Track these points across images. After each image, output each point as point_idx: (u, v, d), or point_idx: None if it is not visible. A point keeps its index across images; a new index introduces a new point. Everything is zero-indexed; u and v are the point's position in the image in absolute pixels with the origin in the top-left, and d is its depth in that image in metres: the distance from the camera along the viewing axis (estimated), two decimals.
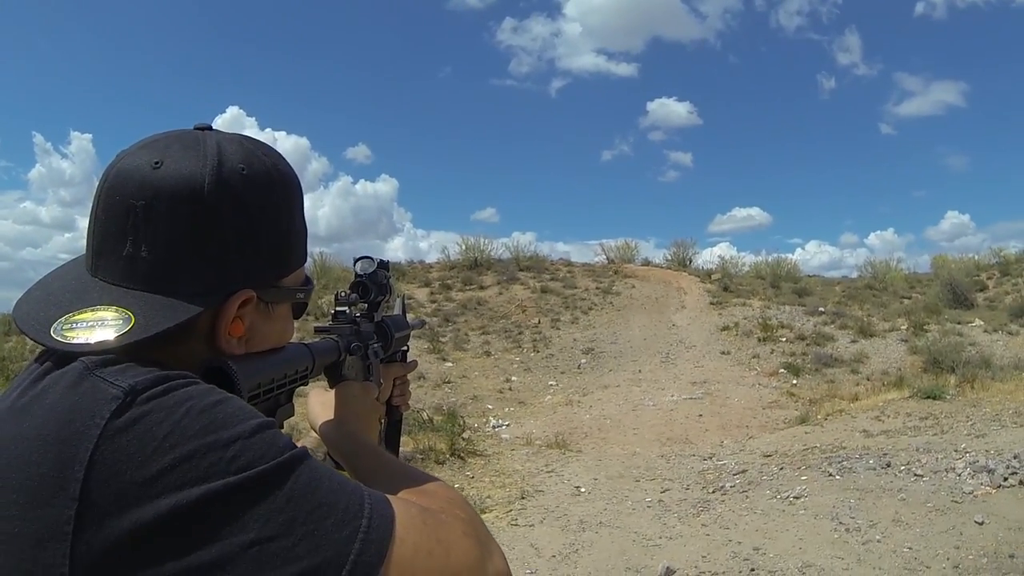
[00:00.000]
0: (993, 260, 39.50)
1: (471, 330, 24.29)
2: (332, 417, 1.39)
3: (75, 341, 0.91)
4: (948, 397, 12.89)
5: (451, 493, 1.09)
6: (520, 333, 23.85)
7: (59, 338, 0.92)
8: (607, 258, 36.16)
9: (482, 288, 28.69)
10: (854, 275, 41.38)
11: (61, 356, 0.92)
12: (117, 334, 0.91)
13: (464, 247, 33.54)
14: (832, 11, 74.16)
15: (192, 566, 0.78)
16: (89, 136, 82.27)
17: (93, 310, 0.94)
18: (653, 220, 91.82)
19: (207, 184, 0.96)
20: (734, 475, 9.94)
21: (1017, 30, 72.88)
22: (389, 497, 0.93)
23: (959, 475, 8.30)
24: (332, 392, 1.43)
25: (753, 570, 6.59)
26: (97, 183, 1.00)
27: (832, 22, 78.35)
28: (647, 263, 35.69)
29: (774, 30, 77.12)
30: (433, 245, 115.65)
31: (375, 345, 1.53)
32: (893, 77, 78.07)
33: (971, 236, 78.08)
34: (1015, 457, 8.46)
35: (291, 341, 1.25)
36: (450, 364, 20.79)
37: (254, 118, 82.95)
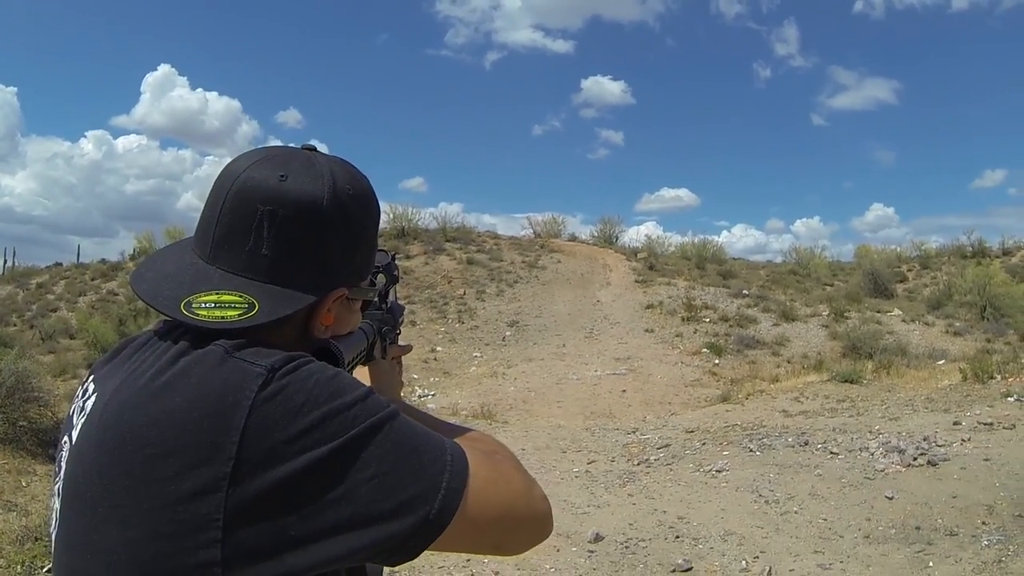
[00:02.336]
0: (914, 253, 40.69)
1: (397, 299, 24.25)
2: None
3: (206, 318, 1.06)
4: (865, 381, 13.42)
5: (494, 439, 1.29)
6: (446, 304, 23.93)
7: (190, 314, 1.07)
8: (534, 232, 36.28)
9: (408, 258, 28.56)
10: (779, 260, 42.20)
11: (194, 336, 1.07)
12: (242, 316, 1.07)
13: (391, 216, 33.31)
14: (772, 2, 75.37)
15: (327, 501, 0.96)
16: (14, 90, 79.48)
17: (218, 293, 1.09)
18: (581, 196, 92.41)
19: (325, 200, 1.13)
20: (658, 449, 10.22)
21: (951, 35, 74.90)
22: (456, 441, 1.12)
23: (872, 454, 8.68)
24: (366, 369, 1.61)
25: (678, 537, 6.84)
26: (216, 183, 1.16)
27: (771, 13, 79.49)
28: (574, 239, 35.88)
29: (713, 16, 78.00)
30: None
31: (389, 329, 1.70)
32: (828, 70, 79.66)
33: (894, 229, 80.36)
34: (925, 439, 8.88)
35: None
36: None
37: (186, 77, 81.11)
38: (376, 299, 1.69)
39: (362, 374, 1.58)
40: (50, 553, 1.17)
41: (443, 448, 1.06)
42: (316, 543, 0.96)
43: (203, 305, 1.08)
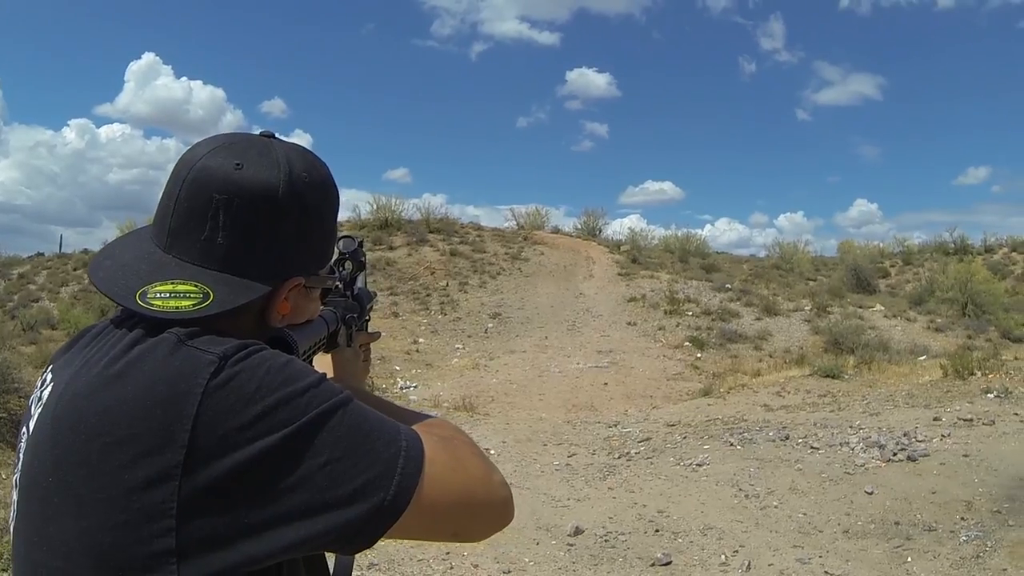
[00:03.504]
0: (897, 249, 41.10)
1: (379, 290, 24.17)
2: (333, 377, 1.53)
3: (161, 309, 1.06)
4: (846, 377, 13.47)
5: (452, 425, 1.28)
6: (428, 295, 23.88)
7: (145, 305, 1.06)
8: (517, 224, 36.28)
9: (391, 248, 28.52)
10: (762, 254, 42.42)
11: (149, 325, 1.06)
12: (196, 306, 1.06)
13: (375, 206, 33.23)
14: None
15: (280, 489, 0.96)
16: None
17: (172, 283, 1.08)
18: (565, 188, 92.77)
19: (281, 189, 1.12)
20: (639, 442, 10.22)
21: (936, 32, 75.26)
22: (414, 427, 1.12)
23: (852, 449, 8.71)
24: (328, 356, 1.60)
25: (658, 530, 6.84)
26: (173, 171, 1.15)
27: (758, 7, 79.75)
28: (557, 231, 35.88)
29: (700, 10, 78.19)
30: (344, 203, 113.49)
31: (355, 316, 1.68)
32: (813, 65, 80.00)
33: (878, 224, 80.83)
34: (905, 435, 8.92)
35: None
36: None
37: (170, 66, 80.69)
38: (341, 286, 1.68)
39: (324, 362, 1.58)
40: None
41: (398, 434, 1.06)
42: (271, 531, 0.96)
43: (158, 295, 1.07)
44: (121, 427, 0.96)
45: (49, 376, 1.16)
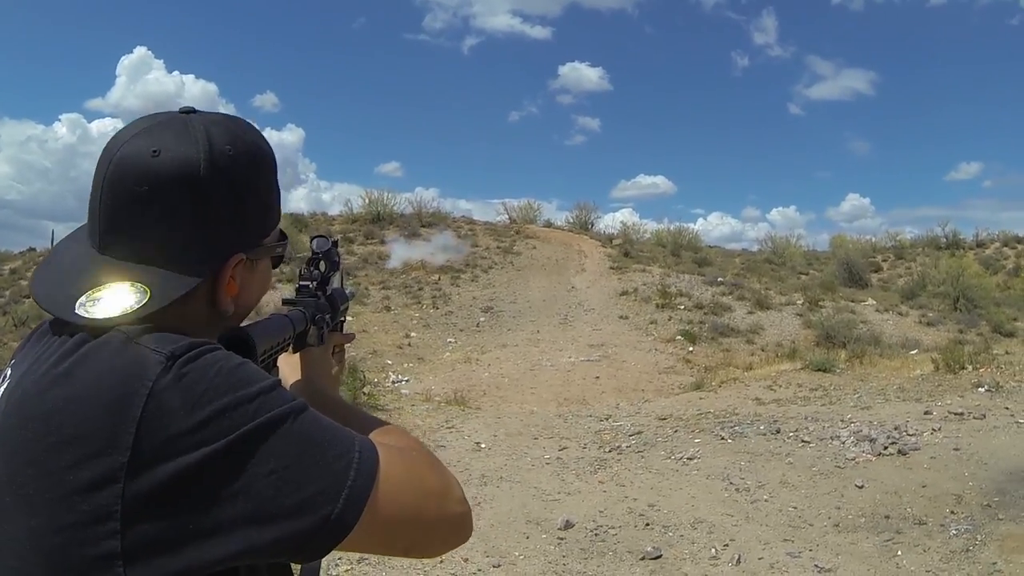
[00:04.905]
0: (889, 244, 41.19)
1: (372, 284, 24.16)
2: (301, 378, 1.56)
3: (101, 316, 1.02)
4: (838, 370, 13.47)
5: (411, 436, 1.27)
6: (420, 289, 23.83)
7: (85, 315, 1.03)
8: (509, 218, 36.34)
9: (384, 243, 28.49)
10: (754, 248, 42.52)
11: (92, 327, 1.03)
12: (137, 306, 1.03)
13: (367, 200, 33.25)
14: None
15: (224, 496, 0.93)
16: None
17: (110, 287, 1.05)
18: (557, 182, 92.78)
19: (202, 168, 1.07)
20: (630, 436, 10.20)
21: (928, 28, 75.36)
22: (370, 437, 1.10)
23: (843, 443, 8.71)
24: (297, 356, 1.58)
25: (648, 524, 6.83)
26: (97, 165, 1.10)
27: (750, 2, 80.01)
28: (549, 225, 35.91)
29: (692, 5, 78.25)
30: (336, 197, 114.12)
31: (327, 316, 1.66)
32: (805, 60, 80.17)
33: (870, 219, 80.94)
34: (896, 428, 8.92)
35: (276, 313, 1.47)
36: (350, 318, 20.63)
37: (162, 60, 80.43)
38: (313, 285, 1.66)
39: (292, 362, 1.57)
40: None
41: (351, 444, 1.03)
42: (216, 538, 0.93)
43: (97, 302, 1.04)
44: (67, 427, 0.94)
45: (8, 372, 1.14)
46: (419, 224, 30.90)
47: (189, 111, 1.14)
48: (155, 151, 1.06)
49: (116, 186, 1.06)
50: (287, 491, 0.95)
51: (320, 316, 1.61)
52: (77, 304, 1.04)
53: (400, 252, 26.80)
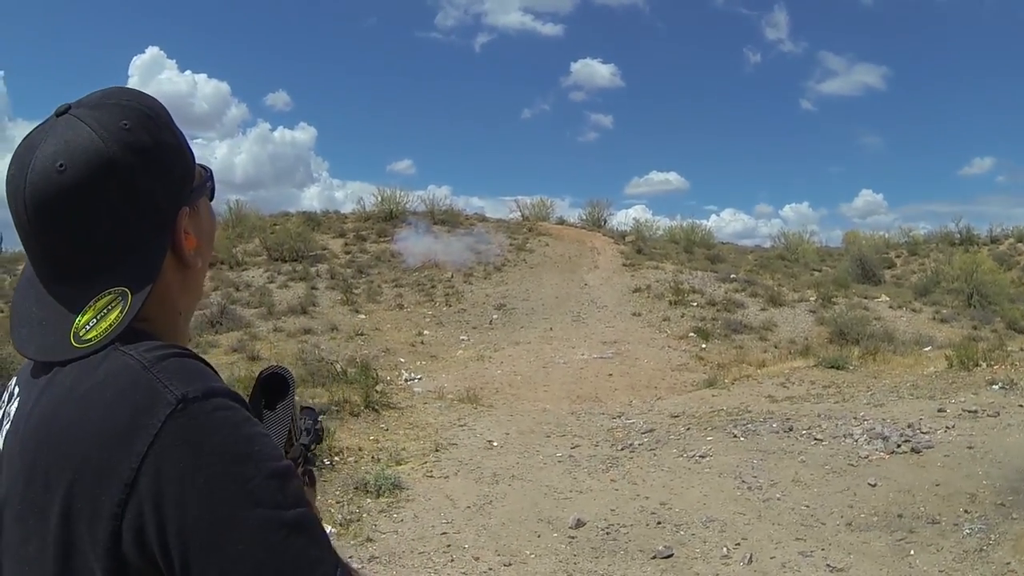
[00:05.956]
0: (902, 239, 40.85)
1: (384, 282, 24.17)
2: None
3: (99, 337, 1.03)
4: (851, 368, 13.40)
5: None
6: (433, 287, 23.80)
7: (84, 345, 1.03)
8: (522, 215, 36.23)
9: (394, 241, 28.50)
10: (767, 245, 42.23)
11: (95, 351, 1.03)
12: (124, 311, 1.04)
13: (380, 198, 33.21)
14: None
15: (195, 569, 0.92)
16: (0, 73, 78.98)
17: (91, 307, 1.05)
18: (570, 179, 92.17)
19: (115, 158, 1.06)
20: (642, 434, 10.19)
21: (941, 22, 74.80)
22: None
23: (856, 441, 8.69)
24: None
25: (659, 523, 6.83)
26: (12, 211, 1.08)
27: None
28: (562, 222, 35.79)
29: (704, 1, 77.72)
30: (349, 195, 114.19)
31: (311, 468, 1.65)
32: (817, 55, 79.35)
33: (883, 215, 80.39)
34: (909, 426, 8.89)
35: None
36: (363, 316, 20.70)
37: (174, 60, 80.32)
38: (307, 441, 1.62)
39: None
40: None
41: (335, 566, 1.00)
42: None
43: (87, 327, 1.04)
44: (76, 450, 0.95)
45: (16, 390, 1.15)
46: (431, 222, 30.82)
47: (63, 111, 1.11)
48: (60, 166, 1.04)
49: (43, 218, 1.05)
50: None
51: (309, 470, 1.58)
52: (72, 338, 1.04)
53: (417, 247, 26.78)
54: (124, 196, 1.06)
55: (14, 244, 37.66)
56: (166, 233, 1.12)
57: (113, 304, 1.04)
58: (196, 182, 1.22)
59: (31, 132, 1.12)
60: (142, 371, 0.99)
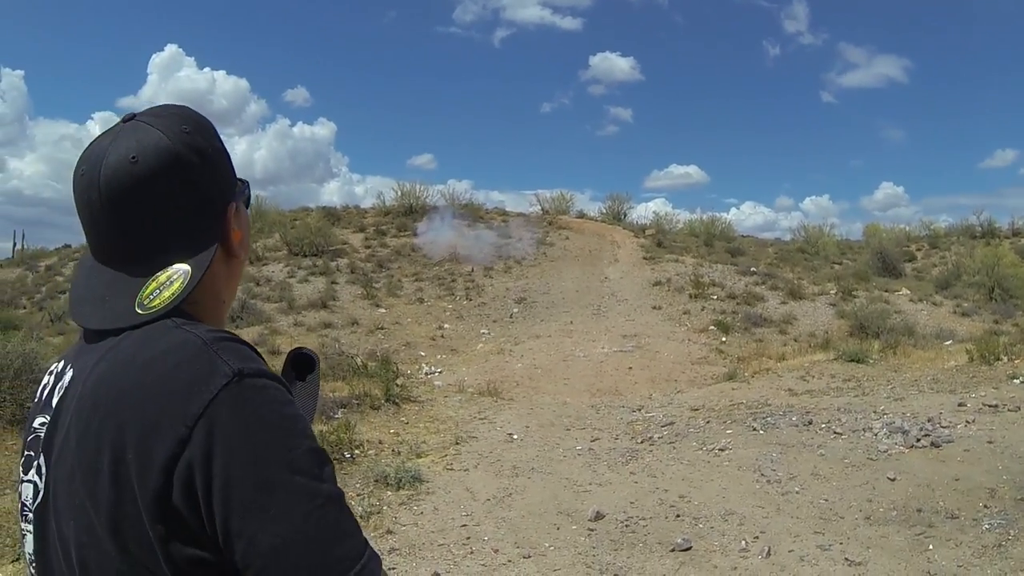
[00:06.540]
0: (923, 232, 40.65)
1: (404, 276, 24.28)
2: None
3: (162, 306, 1.16)
4: (871, 361, 13.36)
5: None
6: (453, 281, 23.90)
7: (148, 312, 1.16)
8: (542, 209, 36.33)
9: (417, 235, 28.59)
10: (787, 238, 42.15)
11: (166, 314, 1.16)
12: (185, 282, 1.18)
13: (400, 193, 33.39)
14: None
15: (231, 530, 1.01)
16: (20, 73, 79.50)
17: (155, 280, 1.19)
18: (589, 173, 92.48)
19: (180, 153, 1.21)
20: (662, 427, 10.22)
21: (962, 12, 74.09)
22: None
23: (876, 435, 8.68)
24: None
25: (679, 516, 6.85)
26: (81, 202, 1.23)
27: None
28: (582, 215, 35.88)
29: None
30: (369, 190, 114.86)
31: None
32: (837, 47, 79.05)
33: (904, 207, 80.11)
34: (929, 420, 8.87)
35: None
36: (383, 310, 20.80)
37: (193, 57, 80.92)
38: None
39: None
40: (24, 537, 1.26)
41: (365, 545, 1.09)
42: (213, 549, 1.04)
43: (151, 296, 1.17)
44: (135, 411, 1.05)
45: (61, 365, 1.27)
46: (452, 216, 30.89)
47: (130, 118, 1.26)
48: (133, 158, 1.18)
49: (116, 205, 1.18)
50: (274, 560, 1.01)
51: None
52: (136, 307, 1.16)
53: (440, 241, 26.81)
54: (185, 187, 1.21)
55: (35, 242, 38.07)
56: (218, 223, 1.26)
57: (174, 278, 1.17)
58: (238, 186, 1.37)
59: (99, 135, 1.26)
60: (203, 346, 1.09)
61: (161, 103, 1.32)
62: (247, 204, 1.44)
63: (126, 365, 1.10)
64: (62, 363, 1.28)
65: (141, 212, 1.18)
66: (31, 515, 1.22)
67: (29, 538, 1.23)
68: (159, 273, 1.18)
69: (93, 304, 1.22)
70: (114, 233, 1.20)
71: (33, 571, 1.24)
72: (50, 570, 1.19)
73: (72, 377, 1.20)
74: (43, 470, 1.18)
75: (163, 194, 1.19)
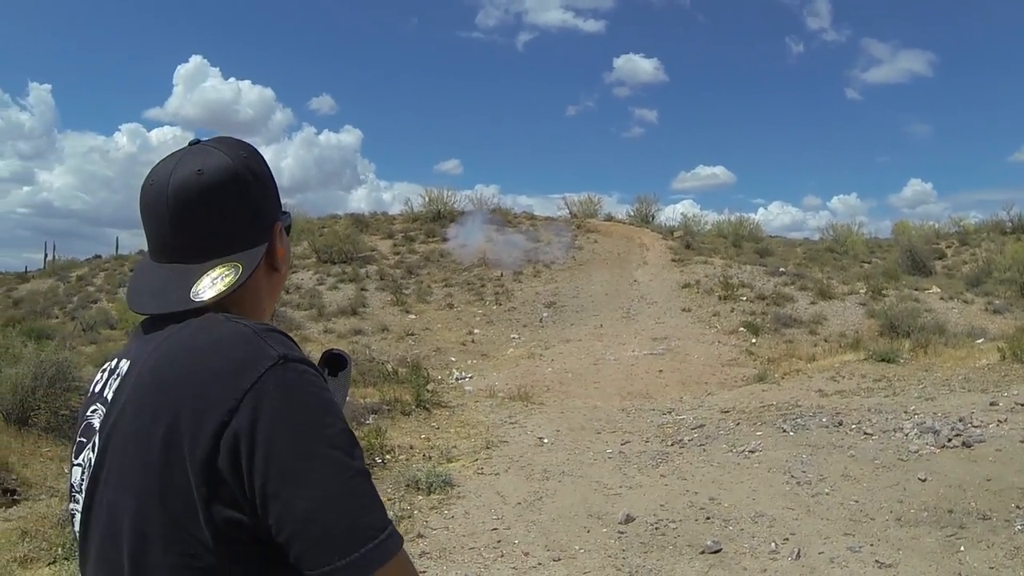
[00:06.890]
0: (953, 229, 40.10)
1: (434, 282, 24.38)
2: None
3: (215, 295, 1.31)
4: (902, 361, 13.27)
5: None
6: (483, 286, 23.97)
7: (202, 299, 1.31)
8: (570, 212, 36.32)
9: (445, 240, 28.71)
10: (816, 237, 41.83)
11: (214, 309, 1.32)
12: (236, 277, 1.33)
13: (427, 199, 33.51)
14: None
15: (268, 493, 1.13)
16: (48, 87, 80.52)
17: (209, 274, 1.34)
18: (616, 175, 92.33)
19: (239, 171, 1.40)
20: (692, 429, 10.24)
21: (985, 4, 73.18)
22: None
23: (906, 435, 8.64)
24: None
25: (708, 518, 6.87)
26: (149, 204, 1.39)
27: None
28: (610, 218, 35.83)
29: None
30: (396, 196, 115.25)
31: None
32: (861, 43, 78.36)
33: (933, 204, 79.35)
34: (960, 420, 8.82)
35: None
36: (413, 316, 20.91)
37: (218, 68, 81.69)
38: None
39: None
40: (72, 517, 1.40)
41: (387, 522, 1.19)
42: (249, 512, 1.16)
43: (205, 287, 1.33)
44: (190, 387, 1.19)
45: (115, 361, 1.41)
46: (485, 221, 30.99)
47: (195, 142, 1.45)
48: (199, 171, 1.36)
49: (182, 209, 1.35)
50: (306, 522, 1.13)
51: None
52: (192, 295, 1.31)
53: (472, 245, 26.90)
54: (241, 200, 1.39)
55: (66, 253, 38.56)
56: (265, 237, 1.43)
57: (227, 273, 1.34)
58: (284, 210, 1.56)
59: (165, 157, 1.44)
60: (253, 335, 1.24)
61: (217, 135, 1.49)
62: (287, 231, 1.58)
63: (184, 349, 1.24)
64: (116, 359, 1.41)
65: (202, 216, 1.35)
66: (79, 495, 1.35)
67: (77, 517, 1.36)
68: (212, 269, 1.34)
69: (151, 294, 1.38)
70: (177, 234, 1.36)
71: (77, 548, 1.37)
72: (90, 540, 1.31)
73: (129, 365, 1.34)
74: (96, 448, 1.31)
75: (222, 203, 1.36)
